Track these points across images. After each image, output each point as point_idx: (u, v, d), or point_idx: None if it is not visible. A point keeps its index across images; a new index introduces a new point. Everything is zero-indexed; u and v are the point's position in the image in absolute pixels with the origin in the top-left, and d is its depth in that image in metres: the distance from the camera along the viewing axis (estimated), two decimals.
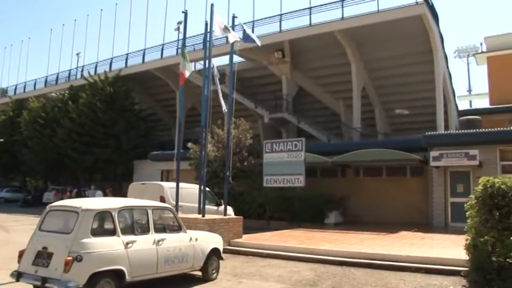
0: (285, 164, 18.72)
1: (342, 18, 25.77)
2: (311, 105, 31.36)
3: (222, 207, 14.37)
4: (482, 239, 7.15)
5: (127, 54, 36.66)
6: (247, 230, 14.09)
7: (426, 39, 24.70)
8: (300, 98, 30.85)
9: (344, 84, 27.88)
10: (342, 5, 25.85)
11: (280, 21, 28.18)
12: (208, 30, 13.88)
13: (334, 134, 29.67)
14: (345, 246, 11.57)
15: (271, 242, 12.48)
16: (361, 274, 9.16)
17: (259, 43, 14.49)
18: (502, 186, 7.07)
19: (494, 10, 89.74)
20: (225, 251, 10.08)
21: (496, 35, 36.15)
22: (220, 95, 13.90)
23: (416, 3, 23.66)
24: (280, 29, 28.15)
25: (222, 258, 8.96)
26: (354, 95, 26.88)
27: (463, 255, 7.83)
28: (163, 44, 34.20)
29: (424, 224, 18.03)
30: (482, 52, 38.45)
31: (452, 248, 10.74)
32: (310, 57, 29.14)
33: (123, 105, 33.09)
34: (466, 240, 7.55)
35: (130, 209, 7.23)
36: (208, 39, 14.23)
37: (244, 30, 14.18)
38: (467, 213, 7.57)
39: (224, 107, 13.99)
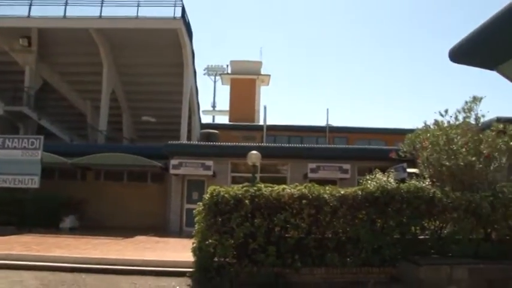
0: (18, 162, 16.98)
1: (100, 17, 25.05)
2: (56, 102, 29.30)
3: None
4: (207, 242, 7.91)
5: None
6: None
7: (179, 53, 25.98)
8: (44, 93, 28.43)
9: (94, 84, 27.00)
10: (102, 3, 25.15)
11: (30, 6, 25.52)
12: None
13: (79, 135, 28.42)
14: (77, 252, 11.10)
15: None
16: (92, 280, 8.92)
17: None
18: (226, 195, 8.00)
19: (242, 35, 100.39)
20: None
21: (240, 60, 40.56)
22: None
23: (174, 18, 24.72)
24: (29, 14, 25.54)
25: None
26: (103, 97, 26.30)
27: (191, 257, 8.44)
28: None
29: (162, 229, 18.67)
30: (227, 73, 42.51)
31: (183, 251, 11.31)
32: (61, 51, 27.20)
33: None
34: (193, 243, 8.22)
35: None
36: None
37: None
38: (195, 219, 8.25)
39: None
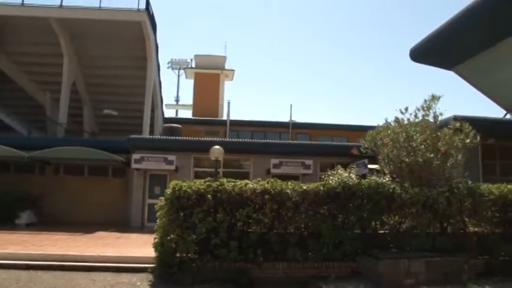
0: None
1: (61, 6, 24.34)
2: (13, 94, 28.36)
3: None
4: (168, 238, 7.83)
5: None
6: None
7: (142, 46, 25.58)
8: (0, 84, 27.47)
9: (53, 76, 26.26)
10: None
11: None
12: None
13: (37, 127, 27.60)
14: (33, 249, 10.77)
15: None
16: (49, 277, 8.67)
17: None
18: (188, 190, 7.95)
19: (207, 29, 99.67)
20: None
21: (204, 54, 40.31)
22: None
23: (138, 9, 24.28)
24: None
25: None
26: (63, 89, 25.61)
27: (153, 253, 8.34)
28: None
29: (123, 224, 18.43)
30: (191, 67, 42.18)
31: (144, 246, 11.17)
32: (19, 40, 26.27)
33: None
34: (155, 238, 8.12)
35: None
36: None
37: None
38: (157, 214, 8.16)
39: None
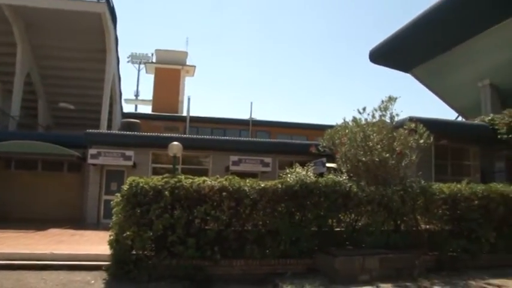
0: None
1: None
2: None
3: None
4: (124, 234, 7.69)
5: None
6: None
7: (102, 38, 24.95)
8: None
9: (6, 66, 25.23)
10: None
11: None
12: None
13: None
14: None
15: None
16: None
17: None
18: (145, 186, 7.84)
19: (169, 24, 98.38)
20: None
21: (165, 49, 39.77)
22: None
23: (98, 1, 23.66)
24: None
25: None
26: (16, 80, 24.62)
27: (108, 250, 8.17)
28: None
29: (78, 221, 17.99)
30: (152, 62, 41.57)
31: (100, 244, 10.90)
32: None
33: None
34: (110, 235, 7.96)
35: None
36: None
37: None
38: (113, 210, 8.00)
39: None
